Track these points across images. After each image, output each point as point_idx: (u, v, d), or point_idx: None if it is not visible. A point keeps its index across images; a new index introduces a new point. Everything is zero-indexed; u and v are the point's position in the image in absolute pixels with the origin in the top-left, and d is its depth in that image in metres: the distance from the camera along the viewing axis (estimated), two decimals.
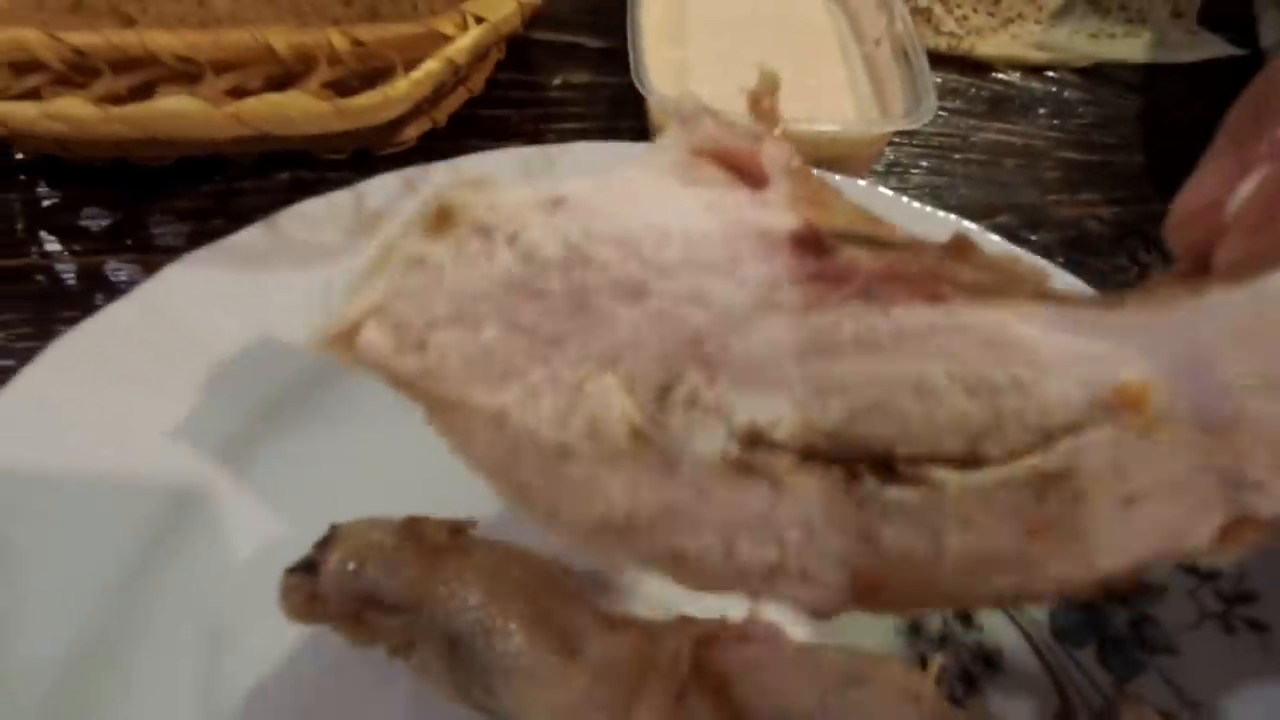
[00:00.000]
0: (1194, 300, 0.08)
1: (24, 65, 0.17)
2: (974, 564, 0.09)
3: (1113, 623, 0.15)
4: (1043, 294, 0.09)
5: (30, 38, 0.17)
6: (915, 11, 0.31)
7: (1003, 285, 0.09)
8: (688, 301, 0.09)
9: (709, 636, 0.12)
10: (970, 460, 0.09)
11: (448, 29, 0.19)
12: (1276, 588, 0.15)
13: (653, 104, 0.23)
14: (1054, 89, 0.30)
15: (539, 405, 0.10)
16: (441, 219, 0.10)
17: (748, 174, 0.10)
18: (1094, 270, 0.24)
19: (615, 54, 0.25)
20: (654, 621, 0.12)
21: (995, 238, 0.21)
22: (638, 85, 0.22)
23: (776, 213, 0.09)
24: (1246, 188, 0.11)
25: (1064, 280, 0.20)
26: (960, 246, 0.10)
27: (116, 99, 0.17)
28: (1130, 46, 0.32)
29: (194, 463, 0.15)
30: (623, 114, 0.27)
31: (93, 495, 0.15)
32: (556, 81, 0.28)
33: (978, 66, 0.30)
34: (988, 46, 0.31)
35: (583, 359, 0.10)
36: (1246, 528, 0.08)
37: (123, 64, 0.17)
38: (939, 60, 0.30)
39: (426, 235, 0.10)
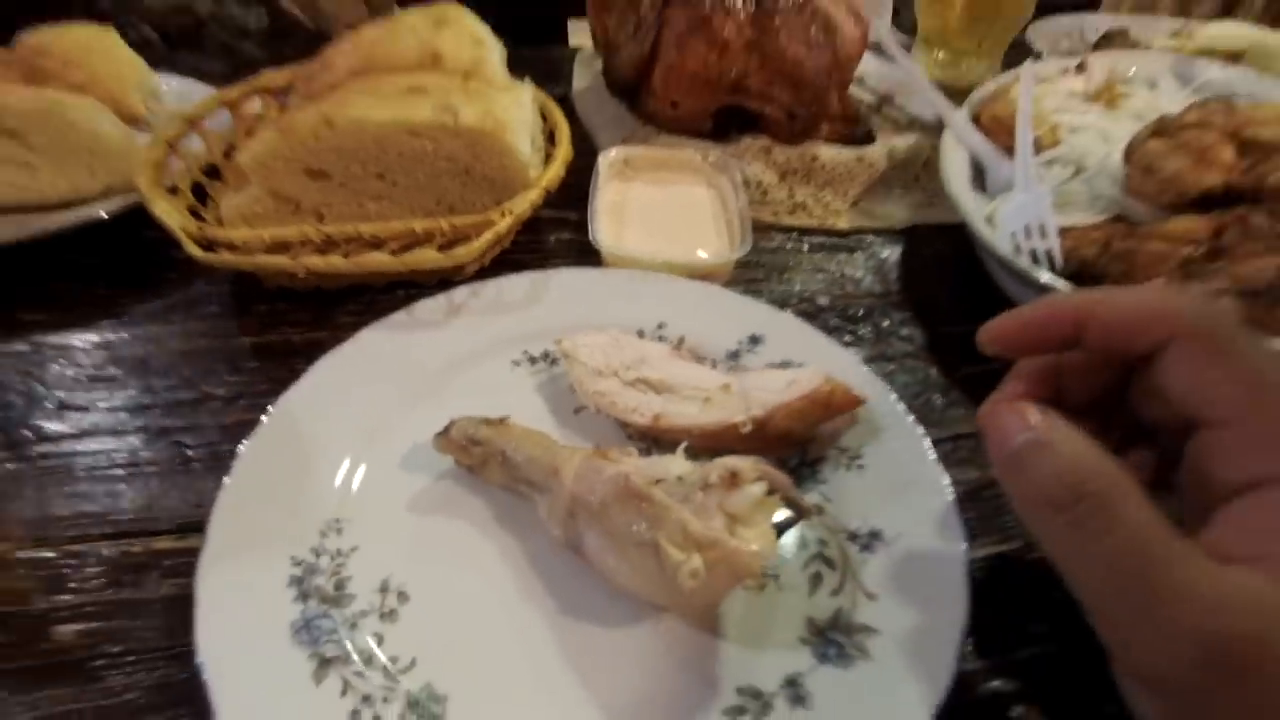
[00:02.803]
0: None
1: (302, 243, 0.39)
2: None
3: (791, 461, 0.33)
4: None
5: (308, 230, 0.39)
6: (796, 206, 0.54)
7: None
8: (639, 365, 0.33)
9: (603, 450, 0.30)
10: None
11: (496, 219, 0.41)
12: (872, 450, 0.33)
13: (603, 253, 0.45)
14: (857, 238, 0.53)
15: (607, 370, 0.33)
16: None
17: None
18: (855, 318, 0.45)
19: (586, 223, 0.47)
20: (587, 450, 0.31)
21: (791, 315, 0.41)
22: (593, 243, 0.44)
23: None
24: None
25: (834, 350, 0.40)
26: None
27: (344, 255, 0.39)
28: (932, 213, 0.54)
29: (389, 393, 0.35)
30: (587, 257, 0.48)
31: (343, 416, 0.34)
32: (552, 239, 0.51)
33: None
34: (842, 222, 0.54)
35: (623, 368, 0.33)
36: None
37: (347, 240, 0.39)
38: (808, 231, 0.52)
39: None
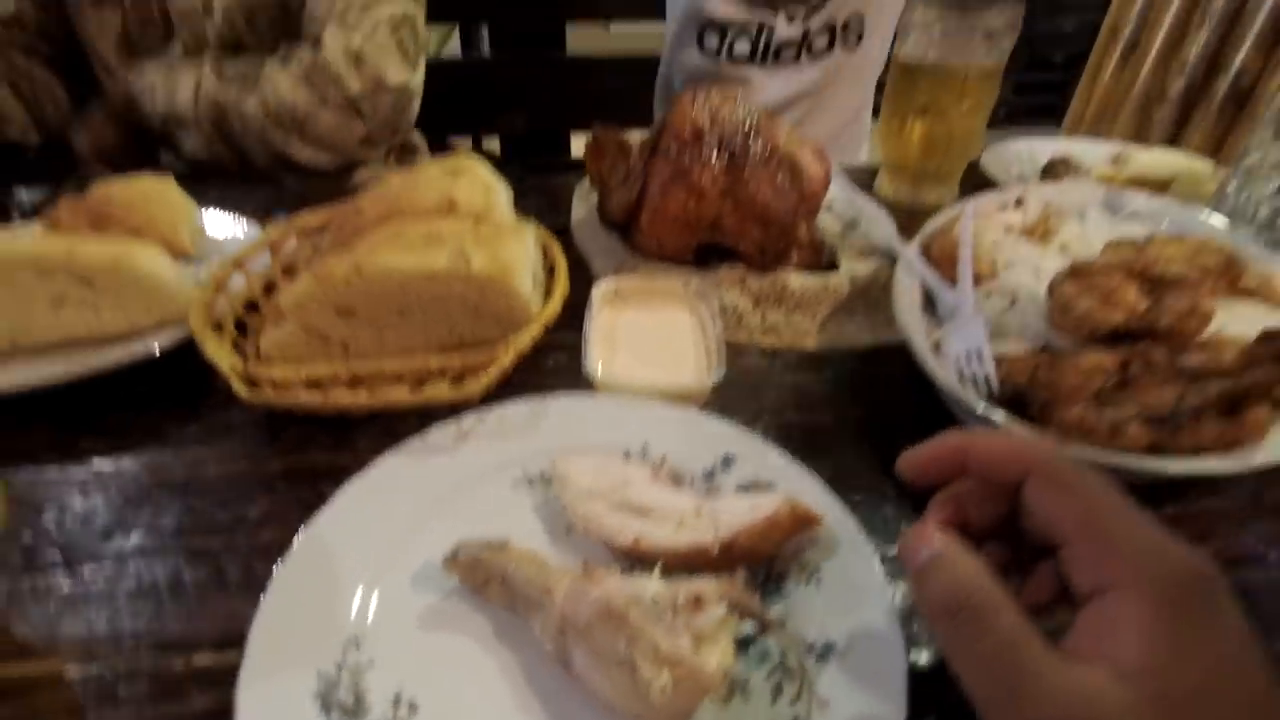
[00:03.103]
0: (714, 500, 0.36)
1: (329, 379, 0.45)
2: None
3: (759, 575, 0.38)
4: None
5: (338, 368, 0.45)
6: (769, 328, 0.60)
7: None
8: (623, 489, 0.37)
9: (590, 571, 0.35)
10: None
11: (500, 354, 0.47)
12: (830, 562, 0.38)
13: (594, 380, 0.51)
14: (824, 357, 0.59)
15: (595, 493, 0.38)
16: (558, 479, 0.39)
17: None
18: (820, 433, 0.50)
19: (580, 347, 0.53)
20: (576, 571, 0.36)
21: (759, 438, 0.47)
22: (585, 373, 0.50)
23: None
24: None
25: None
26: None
27: (368, 389, 0.45)
28: (892, 334, 0.60)
29: (404, 515, 0.40)
30: (581, 379, 0.54)
31: (363, 539, 0.39)
32: (550, 362, 0.57)
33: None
34: (810, 343, 0.60)
35: (609, 492, 0.38)
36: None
37: (371, 376, 0.45)
38: (780, 351, 0.58)
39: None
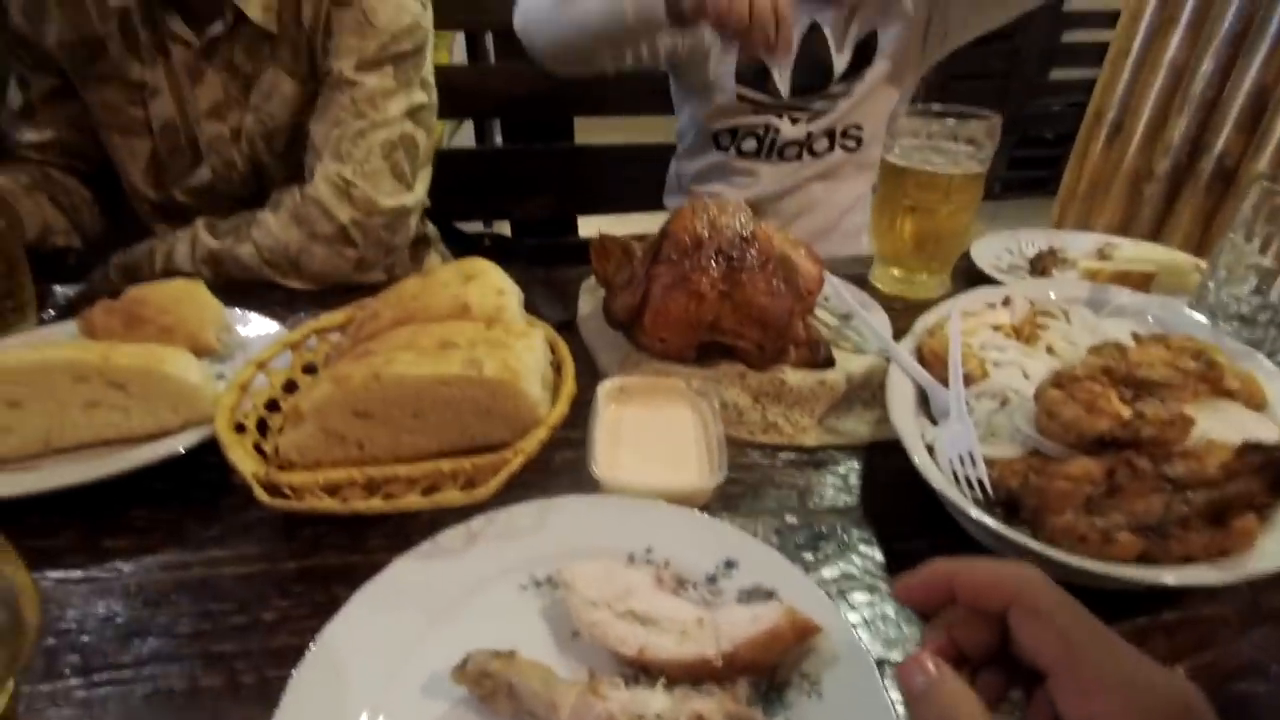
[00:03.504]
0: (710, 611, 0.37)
1: (345, 484, 0.47)
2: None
3: (761, 685, 0.39)
4: None
5: (354, 473, 0.47)
6: (769, 425, 0.62)
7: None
8: (627, 597, 0.39)
9: (595, 684, 0.36)
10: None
11: (510, 458, 0.50)
12: (829, 673, 0.39)
13: (600, 481, 0.52)
14: (823, 454, 0.61)
15: (600, 602, 0.39)
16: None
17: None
18: (820, 534, 0.51)
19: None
20: (582, 681, 0.37)
21: (762, 543, 0.48)
22: (592, 473, 0.52)
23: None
24: None
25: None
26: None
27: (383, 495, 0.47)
28: (889, 429, 0.62)
29: (414, 622, 0.41)
30: (586, 475, 0.56)
31: (375, 645, 0.40)
32: (557, 459, 0.59)
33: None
34: (809, 439, 0.62)
35: (614, 599, 0.39)
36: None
37: (386, 480, 0.47)
38: (780, 447, 0.60)
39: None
